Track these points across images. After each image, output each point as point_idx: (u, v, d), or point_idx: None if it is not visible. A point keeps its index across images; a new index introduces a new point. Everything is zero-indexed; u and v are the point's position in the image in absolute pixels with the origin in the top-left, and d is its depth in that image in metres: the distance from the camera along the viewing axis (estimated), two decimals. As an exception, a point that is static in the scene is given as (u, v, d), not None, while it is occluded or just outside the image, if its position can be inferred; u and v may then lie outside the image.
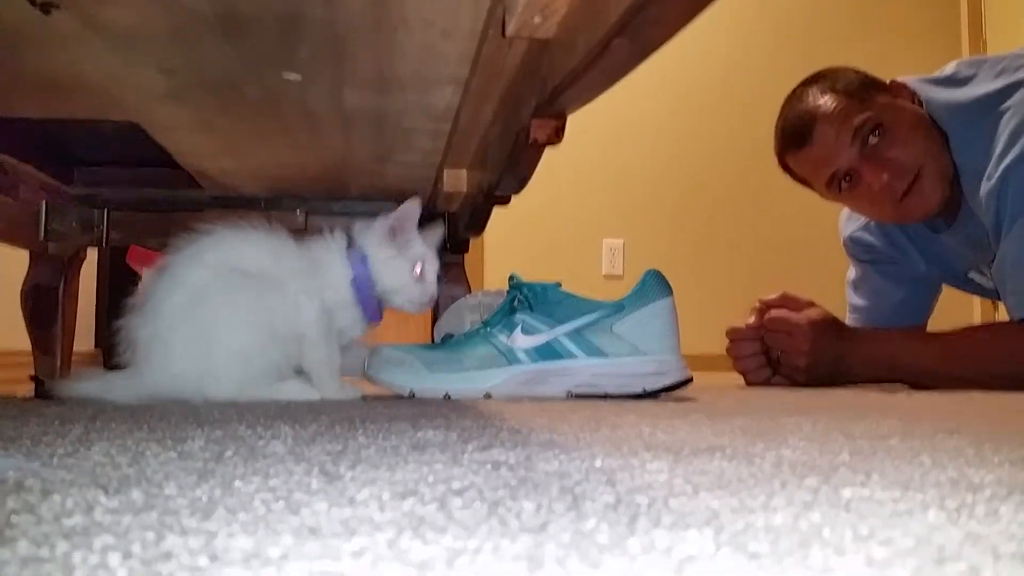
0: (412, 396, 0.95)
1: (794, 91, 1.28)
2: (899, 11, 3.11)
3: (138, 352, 0.82)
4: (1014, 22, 2.84)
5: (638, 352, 0.97)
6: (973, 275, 1.34)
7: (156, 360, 0.81)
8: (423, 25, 0.67)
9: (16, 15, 0.65)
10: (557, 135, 0.63)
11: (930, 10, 3.13)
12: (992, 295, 1.31)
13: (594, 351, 0.97)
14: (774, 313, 1.25)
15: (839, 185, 1.24)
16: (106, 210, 1.21)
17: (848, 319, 1.42)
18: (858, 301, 1.46)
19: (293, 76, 0.77)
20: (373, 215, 1.11)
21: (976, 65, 1.20)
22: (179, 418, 0.59)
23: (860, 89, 1.21)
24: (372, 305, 0.92)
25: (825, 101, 1.21)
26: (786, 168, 1.31)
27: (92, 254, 1.39)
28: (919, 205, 1.21)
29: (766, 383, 1.29)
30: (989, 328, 1.46)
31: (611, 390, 0.96)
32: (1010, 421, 0.63)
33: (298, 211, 1.28)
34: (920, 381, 1.17)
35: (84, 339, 1.74)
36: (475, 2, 0.63)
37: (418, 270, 0.91)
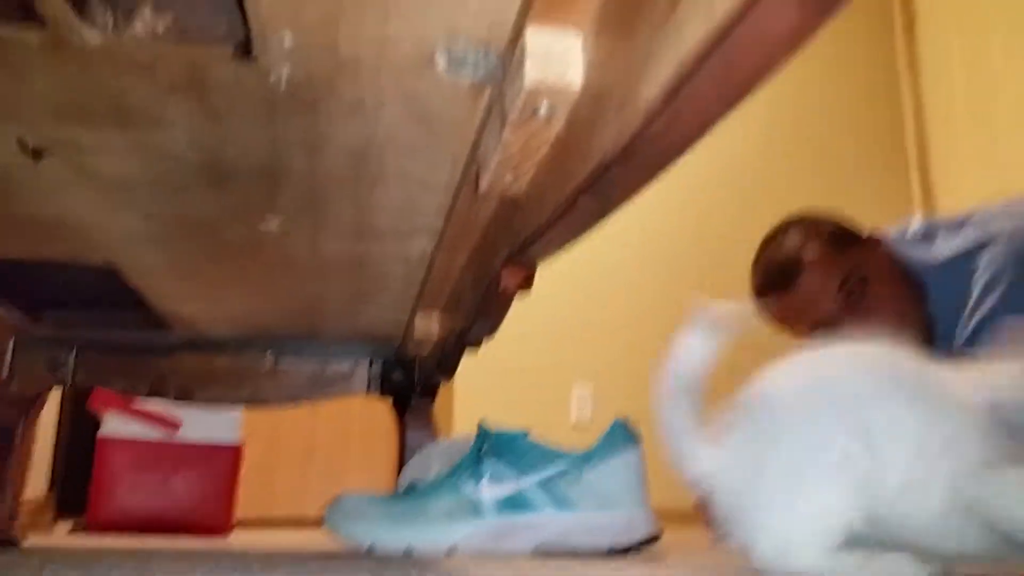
0: (372, 550, 0.92)
1: (775, 232, 1.31)
2: (849, 165, 3.32)
3: None
4: (962, 176, 3.03)
5: (606, 505, 0.95)
6: None
7: None
8: (401, 178, 0.70)
9: (5, 160, 0.67)
10: (527, 283, 0.64)
11: (881, 172, 3.35)
12: None
13: (562, 502, 0.95)
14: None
15: (821, 332, 1.27)
16: (74, 351, 1.19)
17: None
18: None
19: (273, 224, 0.80)
20: (346, 357, 1.09)
21: (943, 225, 1.27)
22: (129, 571, 0.57)
23: (841, 240, 1.26)
24: None
25: (811, 248, 1.25)
26: (761, 309, 1.33)
27: (54, 393, 1.36)
28: None
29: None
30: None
31: (579, 545, 0.93)
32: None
33: (268, 353, 1.27)
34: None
35: (36, 481, 1.67)
36: (452, 159, 0.66)
37: None
